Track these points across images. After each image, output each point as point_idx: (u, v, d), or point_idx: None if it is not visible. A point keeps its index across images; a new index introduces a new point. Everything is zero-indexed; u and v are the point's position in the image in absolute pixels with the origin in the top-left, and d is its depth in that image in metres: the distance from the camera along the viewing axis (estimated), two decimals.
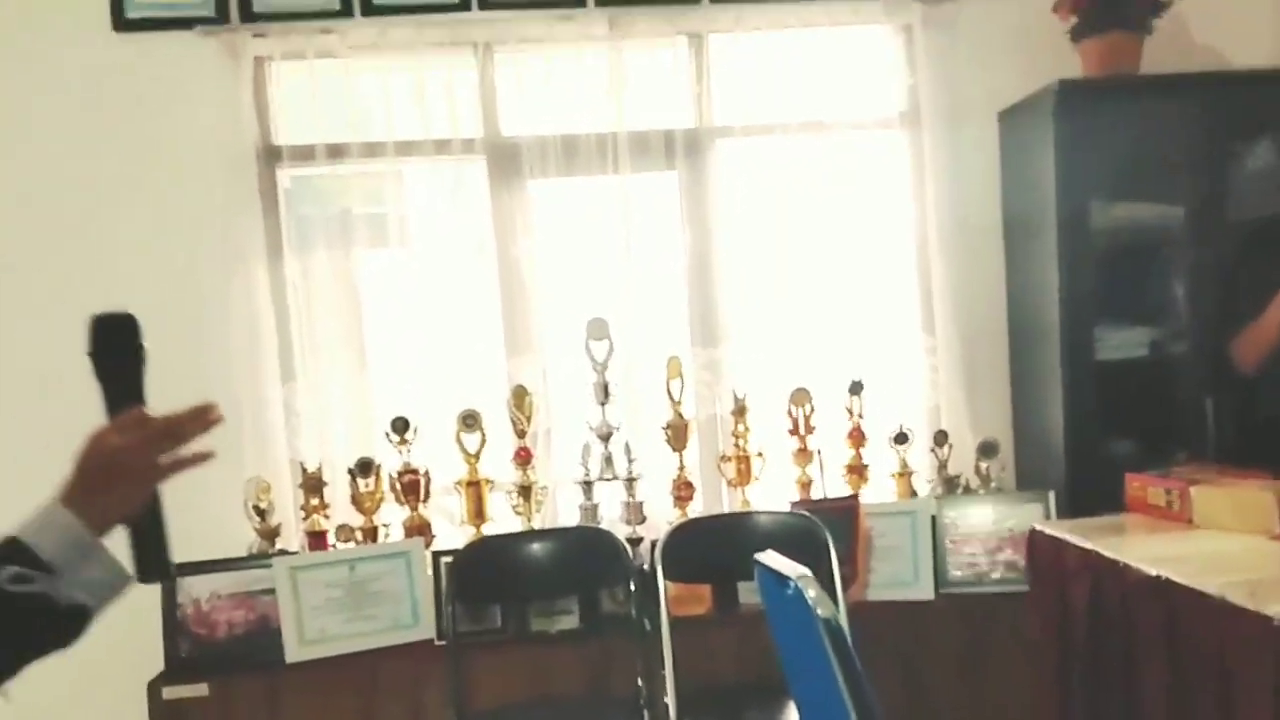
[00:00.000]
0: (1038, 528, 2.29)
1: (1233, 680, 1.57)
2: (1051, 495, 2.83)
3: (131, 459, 1.10)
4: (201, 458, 1.15)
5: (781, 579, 1.71)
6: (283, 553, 2.83)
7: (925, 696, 2.67)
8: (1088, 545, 2.04)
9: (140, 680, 2.60)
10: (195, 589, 2.71)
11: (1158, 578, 1.79)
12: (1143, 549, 1.94)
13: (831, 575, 2.56)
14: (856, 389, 3.03)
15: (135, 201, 2.86)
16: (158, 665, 2.67)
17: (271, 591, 2.71)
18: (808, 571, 1.67)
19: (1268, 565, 1.81)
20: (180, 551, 2.74)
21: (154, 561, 1.16)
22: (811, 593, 1.61)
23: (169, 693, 2.60)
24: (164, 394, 2.79)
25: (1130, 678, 1.89)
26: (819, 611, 1.58)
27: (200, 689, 2.61)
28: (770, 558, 1.78)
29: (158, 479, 1.14)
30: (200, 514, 2.78)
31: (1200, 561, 1.81)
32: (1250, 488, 2.10)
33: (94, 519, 1.09)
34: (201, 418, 1.14)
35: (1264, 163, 2.94)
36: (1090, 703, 2.05)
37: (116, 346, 1.15)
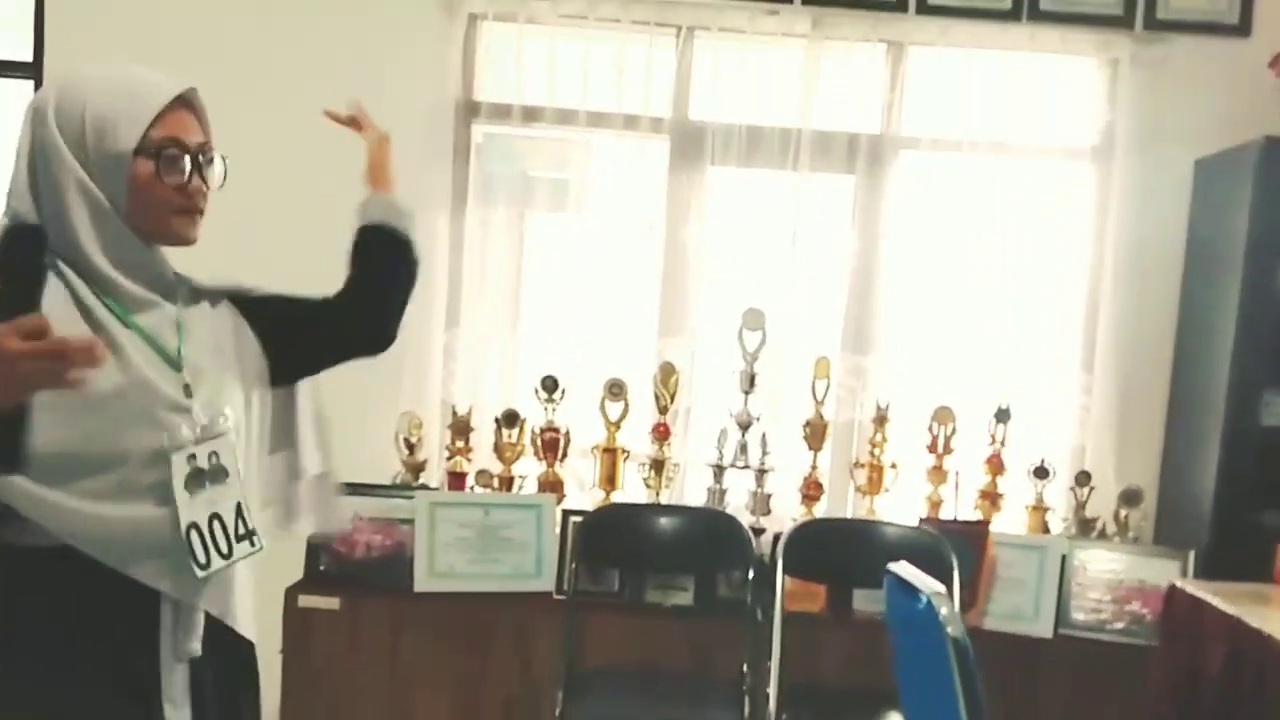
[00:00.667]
0: (1179, 585, 2.24)
1: None
2: (1192, 554, 2.76)
3: (23, 365, 1.08)
4: (76, 381, 1.11)
5: (913, 591, 1.73)
6: (424, 487, 2.98)
7: None
8: (1231, 610, 1.99)
9: (279, 585, 2.77)
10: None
11: None
12: None
13: (951, 597, 2.56)
14: (1003, 416, 3.01)
15: (341, 141, 3.00)
16: (297, 574, 2.84)
17: (410, 521, 2.84)
18: (942, 588, 1.69)
19: None
20: None
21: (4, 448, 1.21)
22: (944, 610, 1.63)
23: (304, 601, 2.76)
24: None
25: None
26: (949, 630, 1.61)
27: (332, 601, 2.76)
28: (904, 569, 1.81)
29: (38, 387, 1.15)
30: (354, 439, 2.97)
31: None
32: None
33: None
34: (89, 353, 1.10)
35: None
36: None
37: (22, 255, 1.22)
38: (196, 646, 1.39)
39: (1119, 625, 2.76)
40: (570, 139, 3.16)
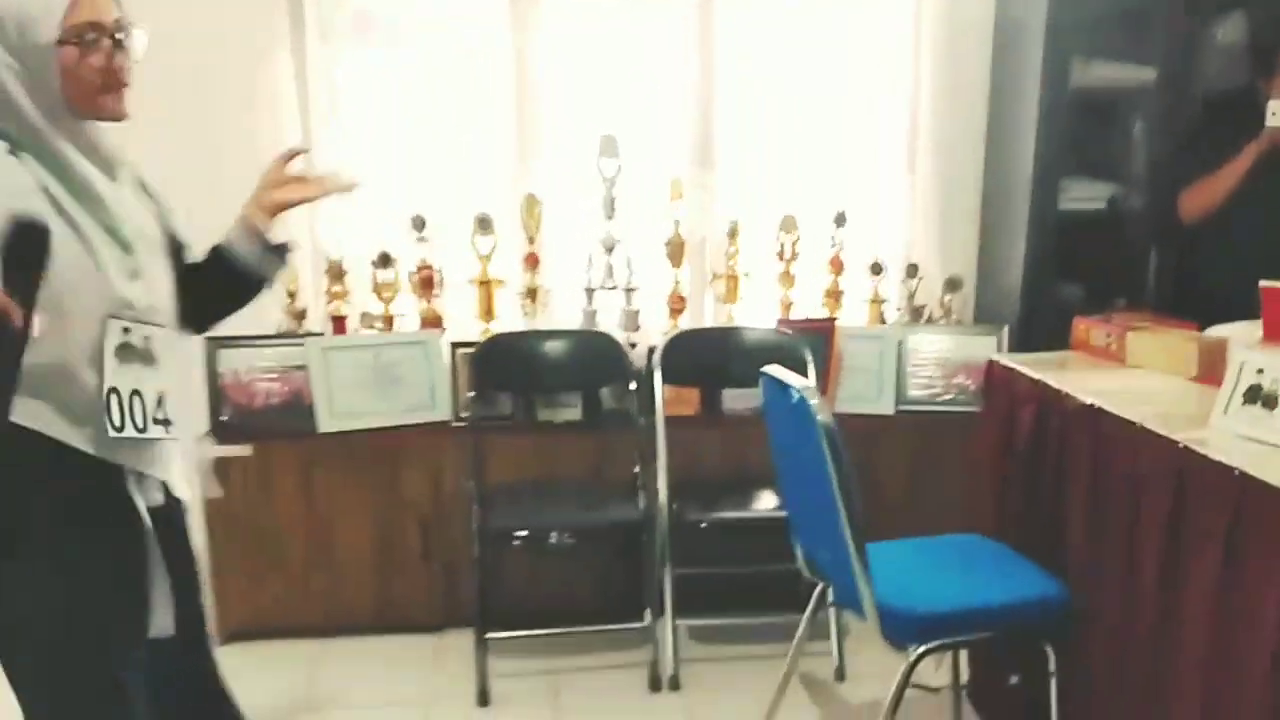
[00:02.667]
0: (995, 358, 2.61)
1: (1140, 491, 1.93)
2: (1005, 330, 3.18)
3: None
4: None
5: (785, 387, 2.02)
6: (310, 334, 3.09)
7: (880, 498, 3.02)
8: (1037, 376, 2.37)
9: None
10: (233, 361, 2.97)
11: (1091, 406, 2.12)
12: (1082, 382, 2.27)
13: None
14: (840, 220, 3.30)
15: None
16: (201, 426, 2.95)
17: (302, 368, 2.98)
18: (811, 384, 1.99)
19: (1183, 401, 2.15)
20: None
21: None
22: (814, 401, 1.93)
23: (216, 450, 2.90)
24: (204, 169, 2.77)
25: (1058, 489, 2.25)
26: (819, 418, 1.91)
27: (245, 449, 2.91)
28: (776, 370, 2.10)
29: None
30: None
31: (1128, 395, 2.13)
32: (1177, 336, 2.42)
33: None
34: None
35: (1232, 37, 3.14)
36: (1022, 510, 2.43)
37: (26, 254, 1.27)
38: (157, 497, 1.61)
39: (949, 397, 3.18)
40: None
